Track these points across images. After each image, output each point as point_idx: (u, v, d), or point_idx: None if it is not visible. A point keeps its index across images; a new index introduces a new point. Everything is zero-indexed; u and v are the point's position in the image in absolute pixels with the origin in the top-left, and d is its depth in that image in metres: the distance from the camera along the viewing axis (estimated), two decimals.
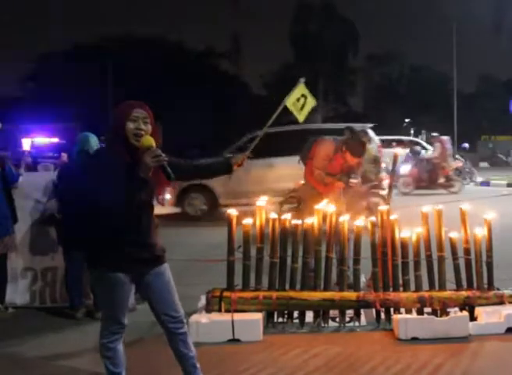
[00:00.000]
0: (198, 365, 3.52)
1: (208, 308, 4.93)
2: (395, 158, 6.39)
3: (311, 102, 5.16)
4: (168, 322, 3.42)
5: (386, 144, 26.48)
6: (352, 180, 6.24)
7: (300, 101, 5.10)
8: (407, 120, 49.38)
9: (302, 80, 5.09)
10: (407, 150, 18.16)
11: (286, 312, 5.04)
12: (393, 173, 6.47)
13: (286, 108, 4.89)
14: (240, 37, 48.40)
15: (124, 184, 3.07)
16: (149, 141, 3.12)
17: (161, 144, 3.25)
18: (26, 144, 5.82)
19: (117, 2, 65.10)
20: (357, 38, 49.08)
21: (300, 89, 5.12)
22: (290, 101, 5.02)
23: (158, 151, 3.10)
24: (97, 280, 3.36)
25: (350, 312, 5.08)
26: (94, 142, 5.58)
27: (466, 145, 25.31)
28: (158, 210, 3.56)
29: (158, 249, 3.37)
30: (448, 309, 4.97)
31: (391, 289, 5.06)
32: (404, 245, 5.05)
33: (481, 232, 5.14)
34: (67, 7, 65.72)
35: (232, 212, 4.93)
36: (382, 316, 5.05)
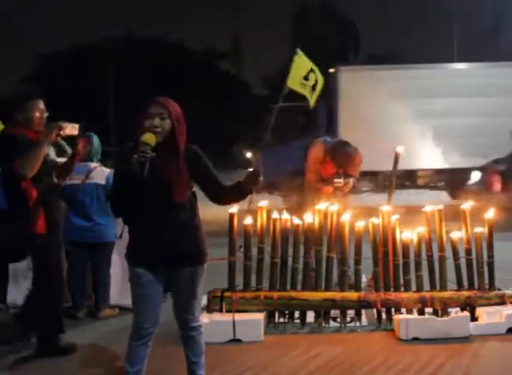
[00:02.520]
0: (201, 372, 3.48)
1: (209, 309, 4.92)
2: (396, 157, 6.36)
3: (320, 78, 4.21)
4: (180, 322, 3.45)
5: None
6: (336, 180, 6.16)
7: (309, 78, 4.22)
8: None
9: (298, 49, 3.99)
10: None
11: (287, 312, 5.04)
12: (394, 172, 6.44)
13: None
14: (240, 37, 48.37)
15: (137, 180, 3.16)
16: (147, 138, 3.16)
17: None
18: None
19: (117, 2, 65.07)
20: (357, 38, 49.02)
21: (302, 62, 4.11)
22: (295, 81, 4.05)
23: (145, 147, 3.13)
24: (130, 273, 3.40)
25: (351, 313, 5.08)
26: (96, 143, 5.61)
27: None
28: None
29: (188, 250, 3.33)
30: (449, 309, 4.98)
31: (392, 289, 5.06)
32: (405, 245, 5.05)
33: (482, 232, 5.14)
34: (67, 7, 65.69)
35: (233, 210, 4.93)
36: (383, 316, 5.05)
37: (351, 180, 6.25)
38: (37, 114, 4.50)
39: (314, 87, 4.21)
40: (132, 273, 3.36)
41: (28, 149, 4.24)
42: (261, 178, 3.24)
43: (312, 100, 4.21)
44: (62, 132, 4.47)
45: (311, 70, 4.16)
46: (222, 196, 3.40)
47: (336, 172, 6.19)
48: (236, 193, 3.36)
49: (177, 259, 3.31)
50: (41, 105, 4.57)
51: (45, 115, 4.57)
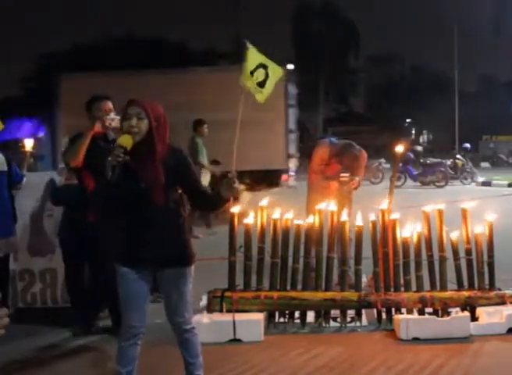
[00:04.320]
0: (199, 372, 3.48)
1: (210, 309, 4.93)
2: (396, 156, 6.36)
3: (275, 72, 3.92)
4: (173, 325, 3.44)
5: None
6: (342, 175, 6.15)
7: (256, 74, 3.86)
8: (408, 120, 49.39)
9: (248, 44, 3.87)
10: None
11: (287, 312, 5.04)
12: (394, 172, 6.44)
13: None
14: (240, 37, 48.35)
15: (117, 180, 3.12)
16: (123, 140, 3.14)
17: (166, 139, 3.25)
18: (28, 144, 5.81)
19: (117, 2, 65.18)
20: (358, 38, 49.06)
21: (251, 56, 3.80)
22: (246, 77, 3.78)
23: (119, 150, 3.10)
24: (116, 273, 3.39)
25: (351, 313, 5.08)
26: None
27: (467, 145, 25.30)
28: None
29: (177, 250, 3.32)
30: (449, 310, 4.97)
31: (392, 289, 5.06)
32: (405, 245, 5.05)
33: (482, 232, 5.14)
34: (67, 7, 65.79)
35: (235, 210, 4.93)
36: (384, 316, 5.04)
37: (357, 179, 6.26)
38: (102, 113, 4.75)
39: (262, 84, 3.99)
40: (118, 274, 3.34)
41: (74, 140, 4.69)
42: (237, 186, 3.23)
43: (261, 96, 3.97)
44: (108, 124, 4.70)
45: (261, 66, 3.94)
46: (202, 202, 3.41)
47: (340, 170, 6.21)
48: (215, 201, 3.36)
49: (161, 261, 3.28)
50: (107, 105, 4.81)
51: (112, 114, 4.77)
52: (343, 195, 6.03)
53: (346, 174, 6.13)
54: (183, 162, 3.35)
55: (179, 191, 3.35)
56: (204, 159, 9.79)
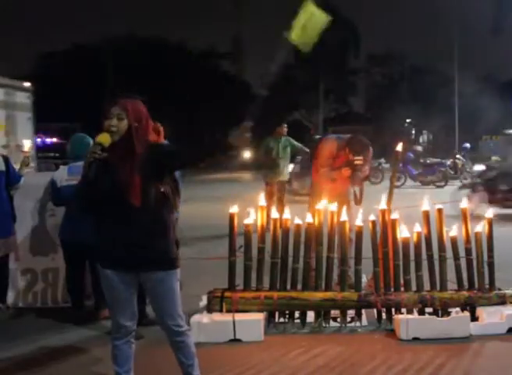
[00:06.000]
0: (197, 373, 3.47)
1: (209, 309, 4.92)
2: (396, 156, 6.36)
3: (321, 17, 3.95)
4: (165, 329, 3.41)
5: None
6: (357, 157, 6.11)
7: (308, 26, 3.85)
8: (408, 120, 49.31)
9: None
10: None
11: (287, 312, 5.04)
12: (395, 171, 6.43)
13: None
14: (240, 38, 48.35)
15: (94, 177, 3.15)
16: (101, 138, 3.18)
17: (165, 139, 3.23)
18: (26, 144, 5.83)
19: (118, 2, 65.17)
20: (358, 38, 49.02)
21: (308, 9, 3.70)
22: (297, 33, 3.79)
23: (96, 147, 3.13)
24: (100, 274, 3.38)
25: (351, 313, 5.08)
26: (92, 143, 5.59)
27: (467, 145, 25.29)
28: None
29: (157, 254, 3.25)
30: (449, 309, 4.97)
31: (392, 289, 5.06)
32: (405, 245, 5.04)
33: (482, 232, 5.13)
34: (68, 7, 65.77)
35: (234, 210, 4.93)
36: (384, 316, 5.04)
37: (366, 167, 6.25)
38: None
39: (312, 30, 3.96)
40: (101, 275, 3.33)
41: None
42: (248, 135, 3.20)
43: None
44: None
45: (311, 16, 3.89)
46: (185, 154, 3.34)
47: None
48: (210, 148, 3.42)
49: (142, 264, 3.24)
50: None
51: None
52: (354, 184, 6.08)
53: (360, 157, 6.10)
54: (156, 151, 3.28)
55: (163, 190, 3.26)
56: (279, 155, 10.60)
